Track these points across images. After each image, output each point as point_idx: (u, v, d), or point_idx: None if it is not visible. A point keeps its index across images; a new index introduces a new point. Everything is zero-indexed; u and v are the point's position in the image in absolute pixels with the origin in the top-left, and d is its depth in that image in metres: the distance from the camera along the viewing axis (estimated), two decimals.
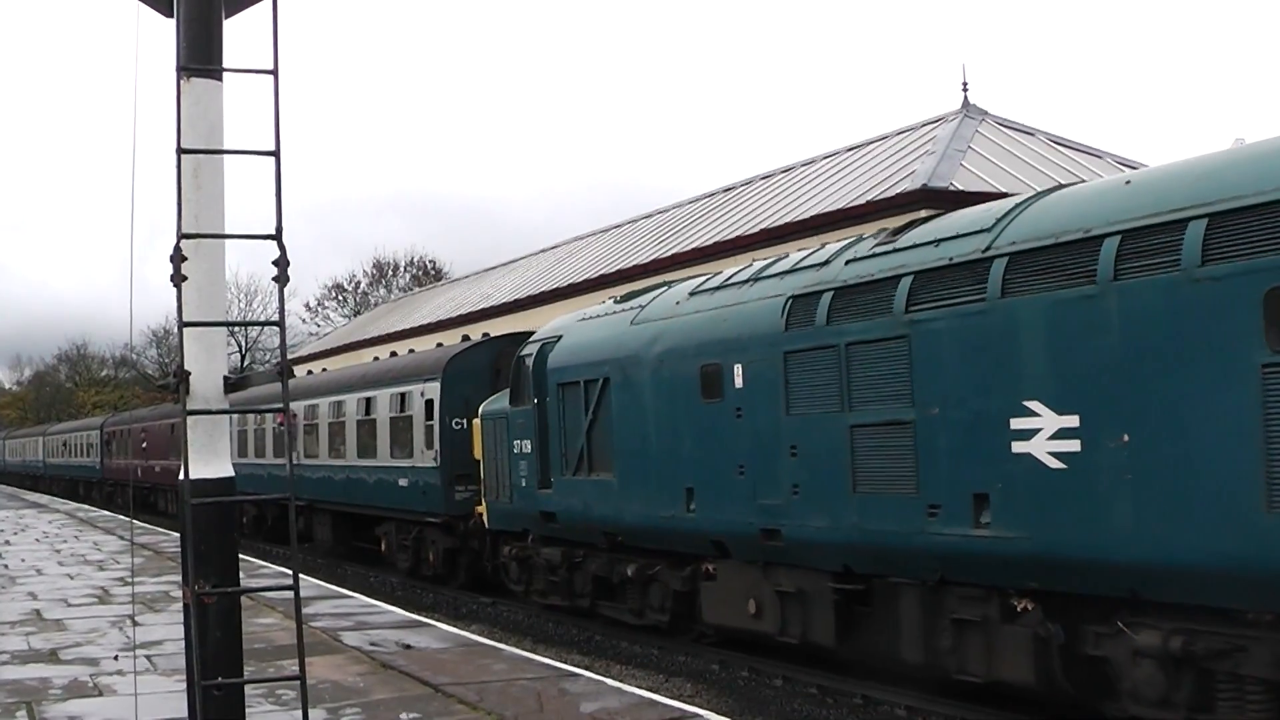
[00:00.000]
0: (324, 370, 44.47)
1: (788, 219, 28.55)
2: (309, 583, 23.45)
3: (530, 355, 20.26)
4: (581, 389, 18.46)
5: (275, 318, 7.80)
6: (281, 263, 7.55)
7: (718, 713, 12.66)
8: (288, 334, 8.13)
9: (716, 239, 31.31)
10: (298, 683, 7.99)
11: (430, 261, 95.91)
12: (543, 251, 51.14)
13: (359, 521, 31.22)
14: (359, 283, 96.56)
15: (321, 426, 32.59)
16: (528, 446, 20.17)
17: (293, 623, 6.42)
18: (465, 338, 34.93)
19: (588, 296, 33.69)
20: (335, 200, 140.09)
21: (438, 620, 19.74)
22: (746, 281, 15.61)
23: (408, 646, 16.19)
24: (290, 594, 7.92)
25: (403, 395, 27.32)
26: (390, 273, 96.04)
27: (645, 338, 17.12)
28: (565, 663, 15.85)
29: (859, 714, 14.22)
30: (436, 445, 25.32)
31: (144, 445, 52.63)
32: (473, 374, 25.20)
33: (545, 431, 19.65)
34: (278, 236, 7.56)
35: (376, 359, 42.29)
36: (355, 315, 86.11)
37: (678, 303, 16.91)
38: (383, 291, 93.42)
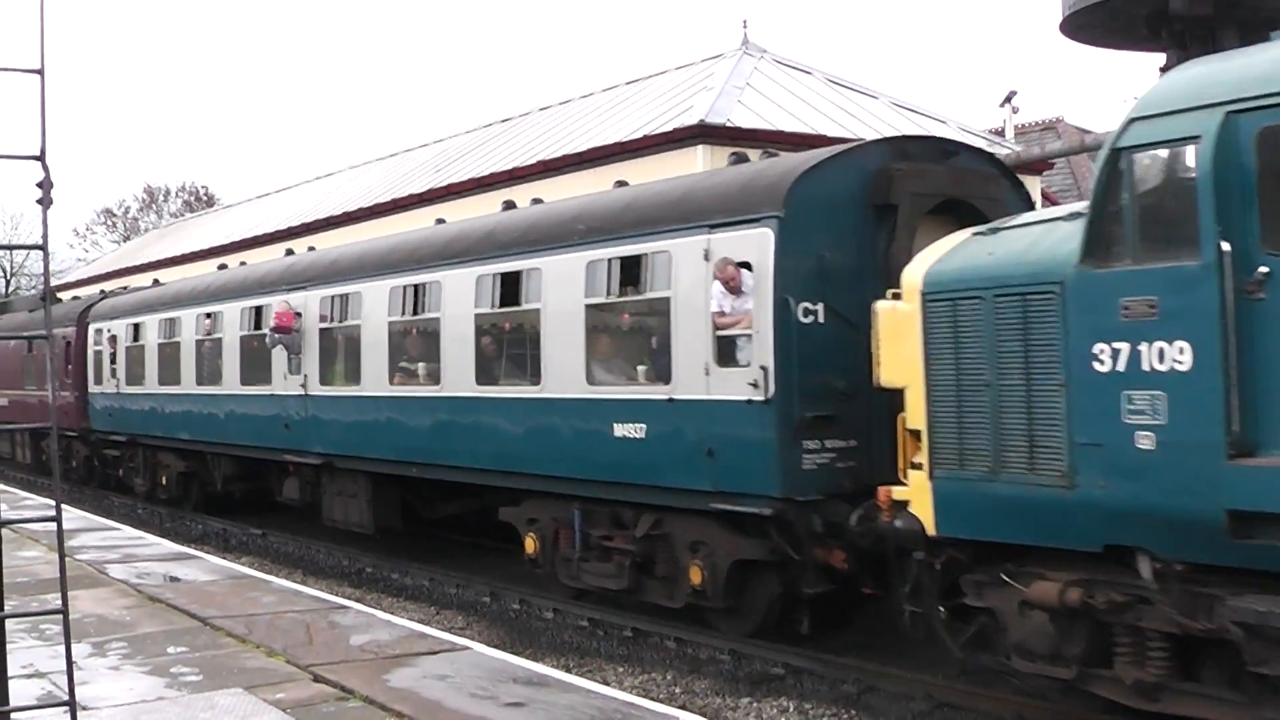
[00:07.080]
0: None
1: (564, 151, 28.57)
2: (73, 514, 22.87)
3: (1229, 134, 8.45)
4: None
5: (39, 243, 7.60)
6: (46, 184, 7.34)
7: (488, 644, 12.78)
8: (52, 260, 7.92)
9: (492, 170, 31.17)
10: (60, 616, 7.84)
11: (203, 188, 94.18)
12: (317, 180, 50.26)
13: (408, 491, 19.42)
14: (129, 208, 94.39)
15: (367, 331, 19.19)
16: (1180, 359, 8.61)
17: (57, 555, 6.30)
18: (242, 262, 30.61)
19: (365, 225, 33.30)
20: (104, 121, 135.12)
21: (207, 552, 19.45)
22: None
23: (176, 579, 15.96)
24: (54, 526, 7.76)
25: (636, 261, 14.17)
26: (162, 198, 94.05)
27: None
28: (336, 595, 15.82)
29: (628, 646, 14.45)
30: (770, 359, 12.41)
31: None
32: (832, 212, 12.87)
33: None
34: (41, 157, 7.35)
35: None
36: (125, 241, 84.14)
37: None
38: (153, 217, 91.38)
